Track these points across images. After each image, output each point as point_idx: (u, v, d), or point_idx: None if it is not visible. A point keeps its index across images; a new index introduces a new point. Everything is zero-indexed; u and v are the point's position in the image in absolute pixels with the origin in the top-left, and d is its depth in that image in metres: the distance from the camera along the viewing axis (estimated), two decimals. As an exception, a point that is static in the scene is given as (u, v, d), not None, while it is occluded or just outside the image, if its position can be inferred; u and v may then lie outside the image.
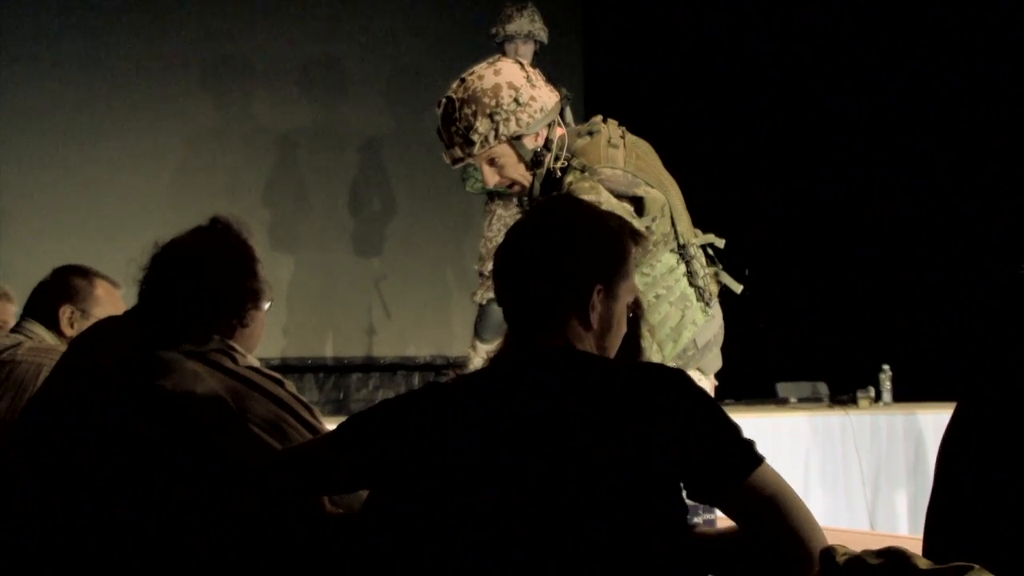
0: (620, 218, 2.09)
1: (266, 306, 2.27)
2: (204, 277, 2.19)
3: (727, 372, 3.17)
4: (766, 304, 5.19)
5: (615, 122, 3.16)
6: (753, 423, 4.84)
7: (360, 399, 7.34)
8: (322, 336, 7.57)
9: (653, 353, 2.99)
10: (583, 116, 3.32)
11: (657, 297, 2.86)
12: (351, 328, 7.65)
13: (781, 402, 6.22)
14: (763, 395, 6.30)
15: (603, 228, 1.97)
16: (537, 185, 3.06)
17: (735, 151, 7.02)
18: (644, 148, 3.15)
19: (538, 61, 5.65)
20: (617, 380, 1.82)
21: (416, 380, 7.36)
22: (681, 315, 3.01)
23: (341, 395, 7.36)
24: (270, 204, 6.98)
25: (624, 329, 1.98)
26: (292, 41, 7.17)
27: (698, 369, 3.09)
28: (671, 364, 2.78)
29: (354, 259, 7.70)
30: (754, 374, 3.43)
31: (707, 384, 3.15)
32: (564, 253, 1.91)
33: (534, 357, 1.91)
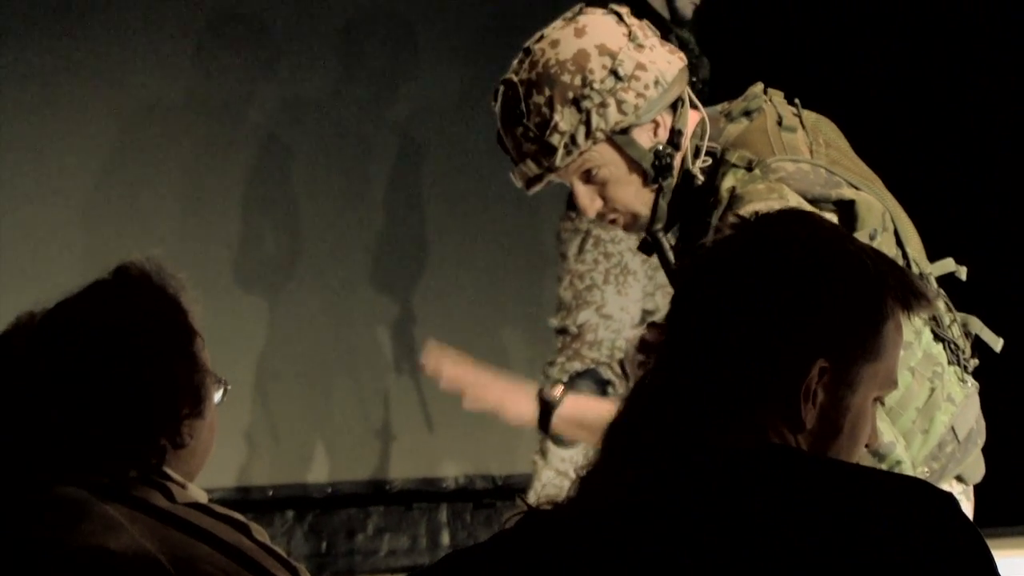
0: (885, 259, 1.66)
1: (216, 399, 1.99)
2: (108, 371, 1.88)
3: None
4: (1012, 368, 4.34)
5: (781, 94, 2.53)
6: (1007, 565, 4.18)
7: (358, 549, 6.13)
8: (291, 450, 6.16)
9: (899, 452, 2.40)
10: (707, 95, 2.69)
11: None
12: (338, 436, 6.27)
13: None
14: (1017, 518, 5.50)
15: (846, 269, 1.63)
16: (663, 205, 2.45)
17: (932, 127, 6.01)
18: (830, 131, 2.52)
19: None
20: (865, 506, 1.52)
21: (444, 516, 6.10)
22: (930, 389, 2.43)
23: (324, 545, 6.11)
24: (210, 228, 5.90)
25: (864, 438, 1.66)
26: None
27: (958, 478, 2.51)
28: (921, 470, 2.37)
29: (339, 317, 6.21)
30: (1001, 485, 2.91)
31: (968, 508, 2.56)
32: (771, 303, 1.60)
33: (723, 460, 1.57)
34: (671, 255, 2.42)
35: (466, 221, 6.27)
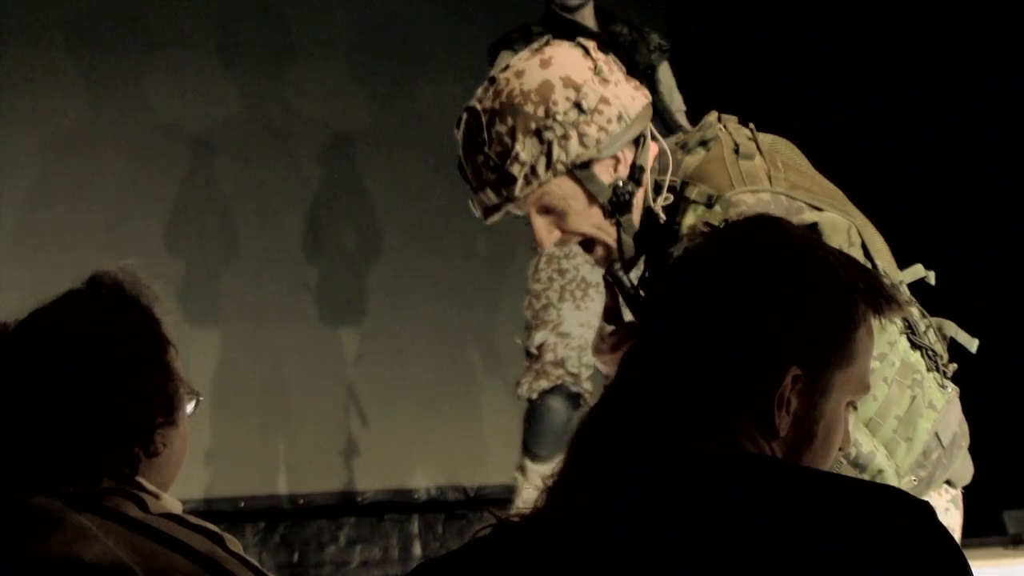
0: (856, 264, 1.65)
1: (189, 410, 1.96)
2: (82, 380, 1.84)
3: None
4: (982, 378, 4.33)
5: (734, 119, 2.52)
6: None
7: (329, 561, 6.10)
8: (263, 461, 6.13)
9: (880, 461, 2.37)
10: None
11: None
12: (309, 447, 6.04)
13: (1013, 542, 5.38)
14: (984, 529, 5.30)
15: (817, 276, 1.61)
16: (628, 240, 2.43)
17: (895, 140, 6.02)
18: (788, 151, 2.51)
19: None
20: (840, 515, 1.48)
21: (415, 527, 6.10)
22: (911, 397, 2.43)
23: (296, 556, 6.08)
24: (182, 244, 5.89)
25: (837, 443, 1.64)
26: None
27: (948, 483, 2.49)
28: (908, 479, 2.34)
29: (311, 328, 6.25)
30: (971, 496, 2.98)
31: (957, 517, 2.52)
32: (742, 311, 1.58)
33: (696, 468, 1.53)
34: (631, 294, 2.39)
35: (432, 230, 6.23)
